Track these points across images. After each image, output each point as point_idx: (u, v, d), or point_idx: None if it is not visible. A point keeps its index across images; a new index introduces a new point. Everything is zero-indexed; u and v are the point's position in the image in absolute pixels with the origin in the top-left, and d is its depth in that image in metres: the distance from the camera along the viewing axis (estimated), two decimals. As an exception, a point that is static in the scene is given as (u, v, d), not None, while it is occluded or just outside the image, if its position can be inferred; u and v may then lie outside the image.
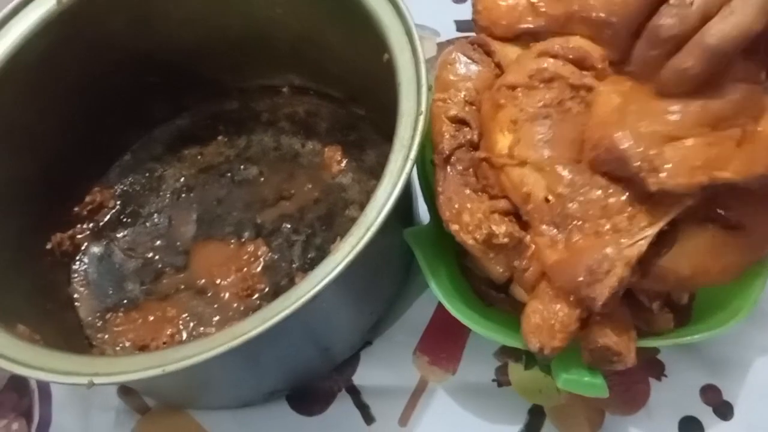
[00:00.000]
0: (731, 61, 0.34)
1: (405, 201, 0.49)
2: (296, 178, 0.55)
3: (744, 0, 0.33)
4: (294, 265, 0.51)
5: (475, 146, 0.41)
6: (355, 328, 0.50)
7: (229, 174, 0.56)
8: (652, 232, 0.35)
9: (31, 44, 0.46)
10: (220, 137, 0.58)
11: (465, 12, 0.53)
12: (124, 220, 0.55)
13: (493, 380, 0.50)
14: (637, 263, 0.36)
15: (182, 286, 0.52)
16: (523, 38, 0.42)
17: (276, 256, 0.52)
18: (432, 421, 0.49)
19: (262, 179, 0.56)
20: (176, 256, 0.53)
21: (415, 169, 0.39)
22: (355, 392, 0.51)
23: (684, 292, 0.43)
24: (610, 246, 0.35)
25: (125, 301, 0.52)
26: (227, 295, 0.51)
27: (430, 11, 0.65)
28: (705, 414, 0.48)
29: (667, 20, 0.34)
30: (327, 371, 0.51)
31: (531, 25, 0.41)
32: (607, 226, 0.36)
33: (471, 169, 0.40)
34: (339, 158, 0.55)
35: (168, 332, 0.50)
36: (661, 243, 0.36)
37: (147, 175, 0.57)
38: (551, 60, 0.39)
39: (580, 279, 0.35)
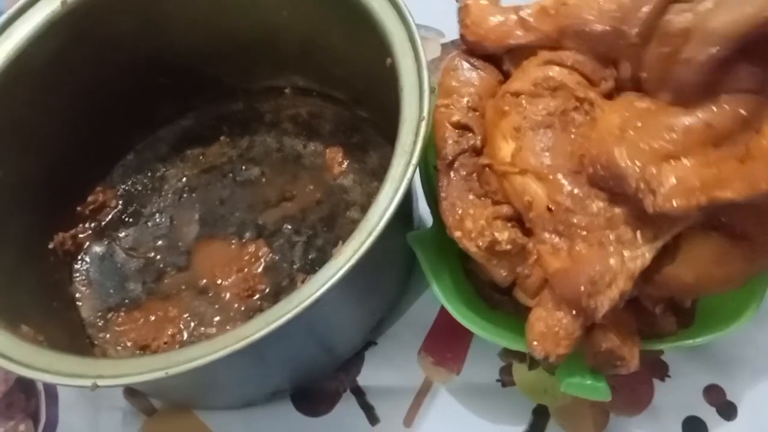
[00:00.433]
0: (738, 60, 0.33)
1: (406, 205, 0.49)
2: (298, 180, 0.55)
3: None
4: (295, 266, 0.51)
5: (478, 152, 0.40)
6: (357, 329, 0.50)
7: (231, 174, 0.56)
8: (656, 245, 0.35)
9: (37, 46, 0.46)
10: (222, 138, 0.58)
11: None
12: (127, 219, 0.55)
13: (498, 380, 0.50)
14: (640, 274, 0.35)
15: (184, 286, 0.52)
16: (512, 54, 0.42)
17: (277, 257, 0.52)
18: (436, 422, 0.49)
19: (264, 180, 0.56)
20: (178, 257, 0.53)
21: (417, 172, 0.39)
22: (359, 393, 0.51)
23: (688, 298, 0.43)
24: (613, 257, 0.35)
25: (127, 301, 0.52)
26: (228, 295, 0.51)
27: (435, 12, 0.64)
28: (709, 414, 0.48)
29: (677, 15, 0.34)
30: (330, 371, 0.51)
31: (521, 41, 0.41)
32: (612, 237, 0.35)
33: (474, 175, 0.40)
34: (341, 160, 0.55)
35: (169, 332, 0.50)
36: (665, 252, 0.36)
37: (149, 175, 0.57)
38: (557, 68, 0.39)
39: (582, 289, 0.35)
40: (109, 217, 0.55)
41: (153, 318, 0.51)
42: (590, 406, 0.49)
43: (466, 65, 0.42)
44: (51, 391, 0.52)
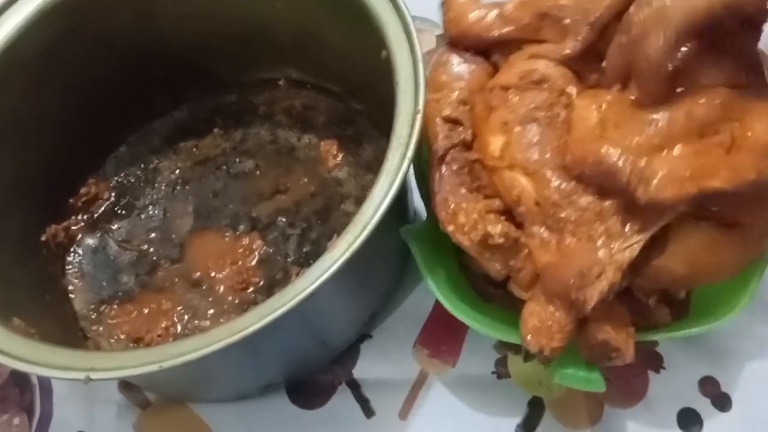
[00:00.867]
0: (699, 51, 0.34)
1: (401, 198, 0.48)
2: (292, 172, 0.55)
3: None
4: (289, 259, 0.51)
5: (469, 146, 0.41)
6: (351, 322, 0.50)
7: (225, 167, 0.56)
8: (644, 236, 0.35)
9: (28, 37, 0.46)
10: (216, 130, 0.58)
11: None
12: (119, 212, 0.55)
13: (493, 372, 0.50)
14: (629, 266, 0.35)
15: (177, 279, 0.52)
16: (495, 48, 0.42)
17: (271, 250, 0.52)
18: (431, 414, 0.49)
19: (258, 172, 0.55)
20: (171, 249, 0.53)
21: (411, 165, 0.39)
22: (355, 386, 0.51)
23: (680, 290, 0.43)
24: (602, 250, 0.35)
25: (120, 294, 0.52)
26: (222, 288, 0.51)
27: (431, 3, 0.63)
28: (703, 406, 0.49)
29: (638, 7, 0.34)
30: (324, 364, 0.51)
31: (502, 32, 0.41)
32: (600, 230, 0.36)
33: (466, 169, 0.40)
34: (335, 152, 0.55)
35: (163, 325, 0.50)
36: (655, 244, 0.36)
37: (142, 167, 0.57)
38: (543, 62, 0.39)
39: (571, 282, 0.36)
40: (102, 209, 0.55)
41: (146, 311, 0.50)
42: (585, 398, 0.49)
43: (455, 60, 0.42)
44: (45, 384, 0.52)
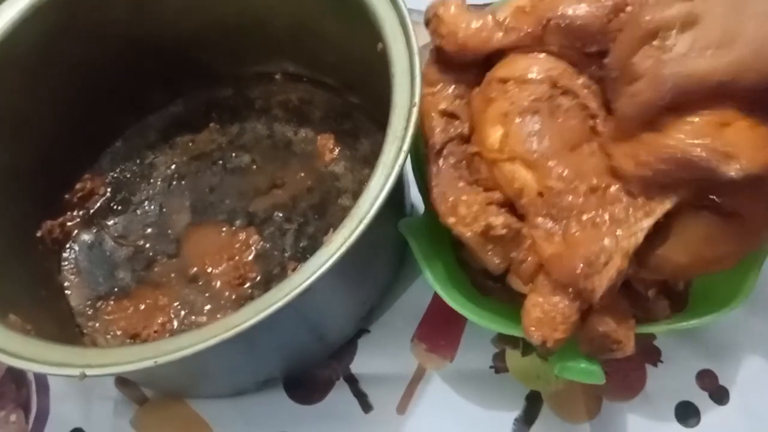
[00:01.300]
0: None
1: (398, 192, 0.48)
2: (289, 167, 0.55)
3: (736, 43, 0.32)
4: (286, 254, 0.51)
5: (466, 139, 0.40)
6: (349, 317, 0.50)
7: (221, 162, 0.56)
8: (649, 222, 0.35)
9: (24, 30, 0.46)
10: (212, 124, 0.57)
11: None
12: (115, 207, 0.55)
13: (491, 367, 0.50)
14: (634, 254, 0.35)
15: (174, 275, 0.51)
16: (495, 59, 0.41)
17: (268, 245, 0.52)
18: (429, 409, 0.49)
19: (255, 167, 0.55)
20: (168, 245, 0.53)
21: (408, 159, 0.39)
22: (352, 381, 0.51)
23: (681, 280, 0.43)
24: (607, 237, 0.35)
25: (116, 289, 0.51)
26: (219, 283, 0.50)
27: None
28: (701, 399, 0.49)
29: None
30: (322, 359, 0.51)
31: (504, 42, 0.40)
32: (605, 217, 0.35)
33: (463, 162, 0.40)
34: (332, 147, 0.55)
35: (159, 320, 0.50)
36: (657, 233, 0.36)
37: (138, 162, 0.56)
38: (543, 55, 0.39)
39: (578, 271, 0.35)
40: (98, 204, 0.55)
41: (143, 306, 0.50)
42: (583, 391, 0.49)
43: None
44: (42, 381, 0.52)
